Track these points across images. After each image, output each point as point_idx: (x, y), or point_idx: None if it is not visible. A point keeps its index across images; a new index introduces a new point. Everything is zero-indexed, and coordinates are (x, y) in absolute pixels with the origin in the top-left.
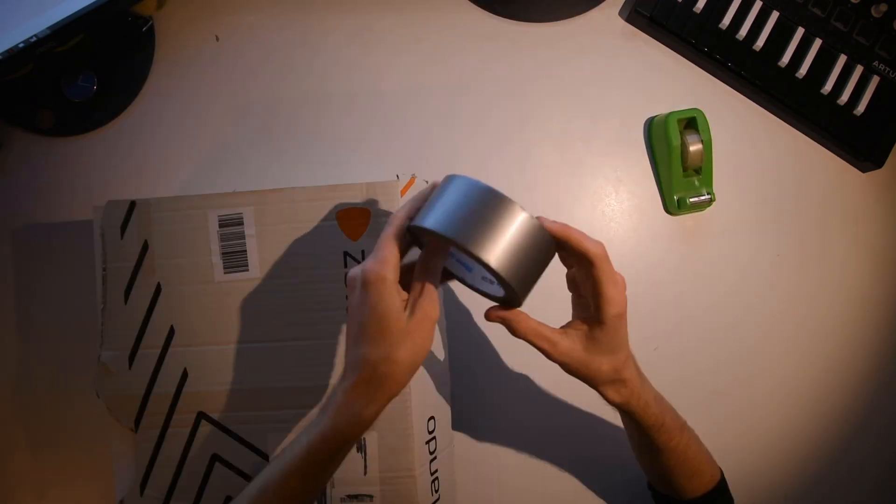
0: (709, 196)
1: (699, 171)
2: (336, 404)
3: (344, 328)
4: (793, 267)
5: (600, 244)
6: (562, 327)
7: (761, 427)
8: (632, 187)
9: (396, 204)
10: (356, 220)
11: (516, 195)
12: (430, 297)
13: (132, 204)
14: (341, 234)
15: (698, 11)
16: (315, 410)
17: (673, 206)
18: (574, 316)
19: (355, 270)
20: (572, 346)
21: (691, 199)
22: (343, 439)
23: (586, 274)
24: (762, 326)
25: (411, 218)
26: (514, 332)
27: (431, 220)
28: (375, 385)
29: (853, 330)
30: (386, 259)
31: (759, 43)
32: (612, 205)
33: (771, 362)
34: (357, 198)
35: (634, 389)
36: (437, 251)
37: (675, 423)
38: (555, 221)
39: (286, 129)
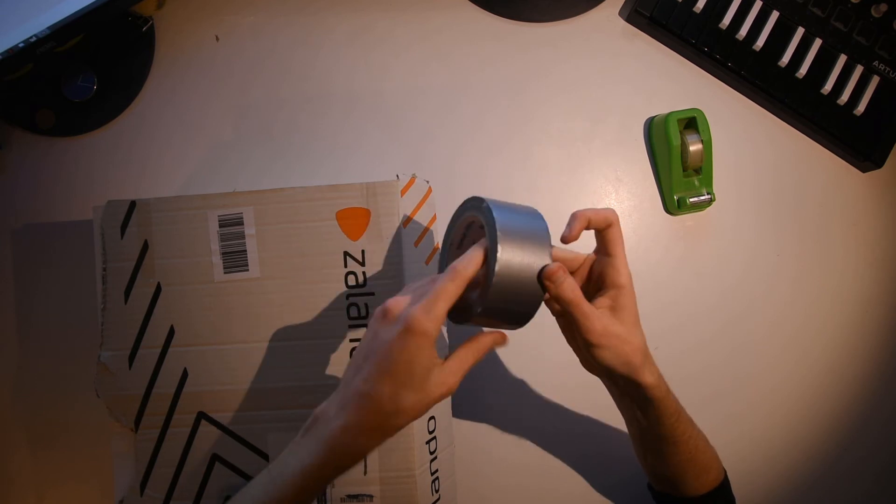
0: (709, 196)
1: (699, 171)
2: (335, 439)
3: (345, 328)
4: (793, 267)
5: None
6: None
7: (761, 427)
8: (632, 187)
9: (396, 204)
10: (356, 220)
11: (516, 195)
12: (459, 373)
13: (132, 204)
14: (341, 234)
15: (698, 11)
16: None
17: (673, 206)
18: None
19: (401, 307)
20: (608, 321)
21: (691, 199)
22: (338, 472)
23: (601, 242)
24: (762, 326)
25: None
26: (563, 295)
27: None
28: (382, 430)
29: (853, 330)
30: (439, 316)
31: (759, 43)
32: (612, 205)
33: (771, 362)
34: (357, 198)
35: (658, 370)
36: (494, 337)
37: (687, 415)
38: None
39: (286, 129)
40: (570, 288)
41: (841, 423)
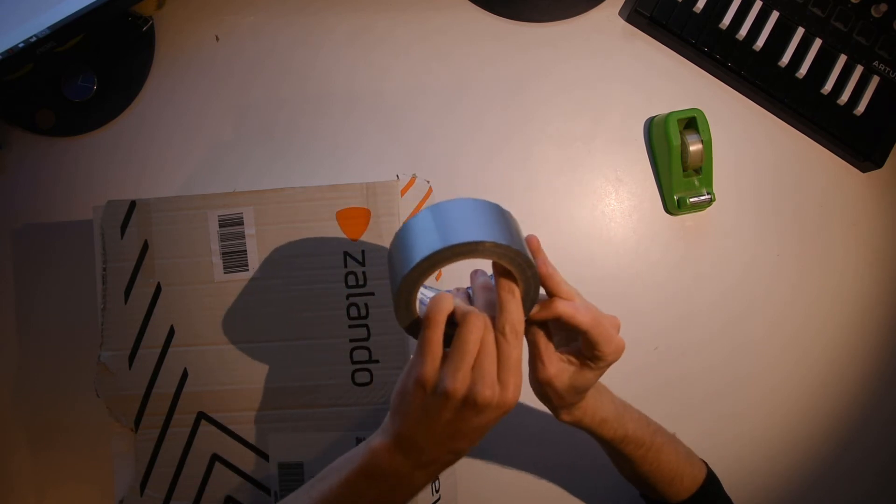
0: (709, 196)
1: (699, 171)
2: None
3: (345, 328)
4: (793, 267)
5: (589, 312)
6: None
7: (761, 427)
8: (632, 187)
9: (397, 204)
10: (356, 219)
11: (516, 195)
12: None
13: (132, 204)
14: (341, 234)
15: (698, 11)
16: (323, 411)
17: (673, 206)
18: (557, 343)
19: (486, 396)
20: (559, 374)
21: (691, 199)
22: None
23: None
24: (762, 326)
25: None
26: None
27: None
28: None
29: (853, 330)
30: (519, 388)
31: (759, 43)
32: (612, 205)
33: (771, 362)
34: (357, 198)
35: (587, 410)
36: None
37: (642, 432)
38: (541, 307)
39: (286, 129)
40: (544, 340)
41: (841, 423)
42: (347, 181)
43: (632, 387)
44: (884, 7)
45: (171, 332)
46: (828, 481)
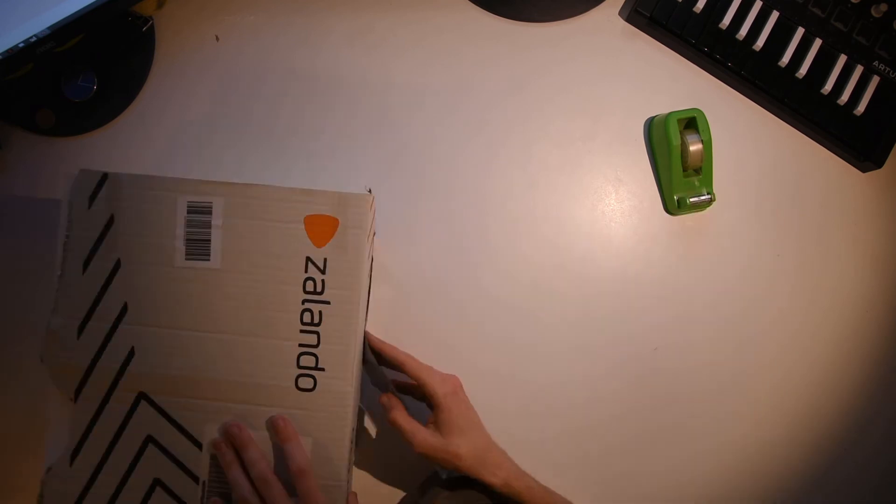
0: (709, 196)
1: (699, 171)
2: None
3: (296, 332)
4: (793, 267)
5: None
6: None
7: (762, 426)
8: (632, 187)
9: (366, 217)
10: (323, 227)
11: (516, 195)
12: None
13: (104, 176)
14: (306, 239)
15: (698, 11)
16: (264, 409)
17: (673, 206)
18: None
19: None
20: (428, 435)
21: (691, 199)
22: None
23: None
24: (762, 326)
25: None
26: (390, 419)
27: None
28: None
29: (853, 330)
30: None
31: (759, 43)
32: (612, 205)
33: (771, 362)
34: (328, 206)
35: (511, 471)
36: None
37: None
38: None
39: (286, 130)
40: (397, 415)
41: (842, 423)
42: (347, 181)
43: (631, 387)
44: (884, 7)
45: (125, 308)
46: (829, 482)
